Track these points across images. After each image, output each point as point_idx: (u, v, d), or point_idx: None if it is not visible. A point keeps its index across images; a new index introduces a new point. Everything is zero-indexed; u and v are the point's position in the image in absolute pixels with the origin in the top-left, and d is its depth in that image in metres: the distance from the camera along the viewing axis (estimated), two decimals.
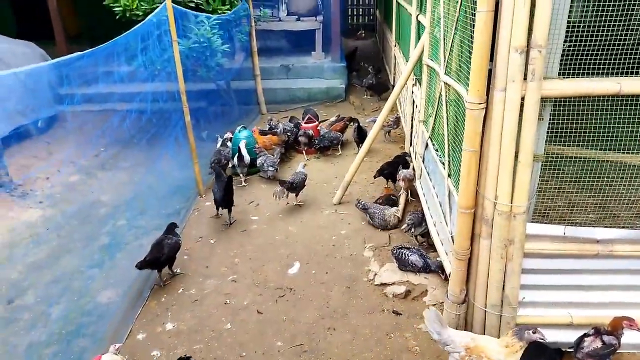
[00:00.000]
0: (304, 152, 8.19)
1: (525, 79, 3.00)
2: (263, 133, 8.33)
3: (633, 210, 3.61)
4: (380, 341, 4.05)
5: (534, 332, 3.16)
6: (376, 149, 8.11)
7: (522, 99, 3.03)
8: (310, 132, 8.11)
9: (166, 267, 4.93)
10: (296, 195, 6.48)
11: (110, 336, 4.17)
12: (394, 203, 6.05)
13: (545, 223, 3.42)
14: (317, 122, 8.62)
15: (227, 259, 5.36)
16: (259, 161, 7.30)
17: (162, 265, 4.85)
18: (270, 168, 7.13)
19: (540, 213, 3.55)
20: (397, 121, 8.44)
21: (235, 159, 7.06)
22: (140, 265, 4.58)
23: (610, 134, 3.32)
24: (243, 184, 7.17)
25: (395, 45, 10.16)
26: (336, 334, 4.17)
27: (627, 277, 3.59)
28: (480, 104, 3.21)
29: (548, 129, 3.34)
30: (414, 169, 6.09)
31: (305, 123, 8.41)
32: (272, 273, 5.07)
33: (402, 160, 6.50)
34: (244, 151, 7.04)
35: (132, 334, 4.26)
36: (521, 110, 3.07)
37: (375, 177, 6.77)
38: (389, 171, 6.56)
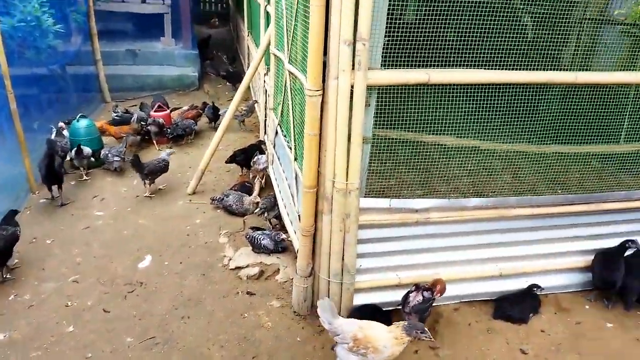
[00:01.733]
0: (155, 142, 7.82)
1: (353, 69, 3.34)
2: (112, 123, 7.77)
3: (450, 185, 4.30)
4: (235, 322, 4.16)
5: (421, 332, 3.23)
6: (232, 138, 8.14)
7: (352, 87, 3.36)
8: (161, 120, 7.79)
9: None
10: (150, 184, 6.20)
11: None
12: (249, 190, 6.18)
13: (375, 197, 3.86)
14: (168, 111, 8.30)
15: (68, 259, 4.93)
16: (102, 152, 6.79)
17: None
18: (116, 158, 6.67)
19: (373, 189, 3.99)
20: (251, 109, 8.56)
21: (73, 152, 6.45)
22: None
23: (430, 119, 3.88)
24: (85, 177, 6.60)
25: (248, 35, 10.22)
26: (191, 321, 4.16)
27: (441, 240, 4.26)
28: (317, 91, 3.49)
29: (375, 114, 3.78)
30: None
31: (155, 111, 8.04)
32: (120, 269, 4.81)
33: (256, 148, 6.65)
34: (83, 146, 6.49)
35: None
36: (352, 98, 3.41)
37: (226, 162, 6.77)
38: (241, 158, 6.66)
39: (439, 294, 3.92)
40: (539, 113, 4.26)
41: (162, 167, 6.28)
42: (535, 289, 4.43)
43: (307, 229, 3.93)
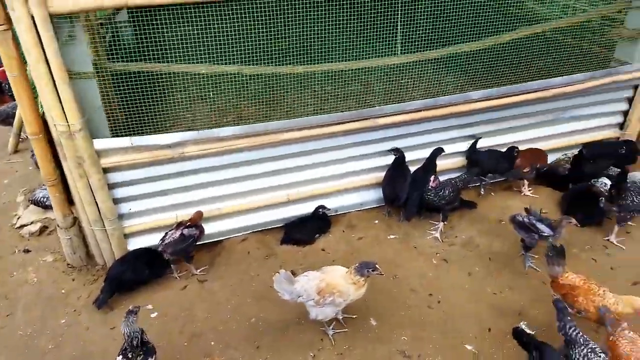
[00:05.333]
0: None
1: None
2: None
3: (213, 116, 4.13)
4: (5, 283, 3.98)
5: (372, 270, 3.17)
6: None
7: (33, 17, 3.01)
8: None
9: None
10: None
11: None
12: None
13: (113, 137, 3.64)
14: None
15: None
16: None
17: None
18: None
19: (121, 128, 3.74)
20: None
21: None
22: None
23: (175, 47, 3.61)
24: None
25: None
26: None
27: (216, 173, 4.14)
28: (1, 25, 3.11)
29: (110, 44, 3.47)
30: None
31: None
32: None
33: None
34: None
35: None
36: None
37: None
38: None
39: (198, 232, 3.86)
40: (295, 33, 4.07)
41: None
42: (321, 210, 4.47)
43: (49, 179, 3.69)
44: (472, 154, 4.81)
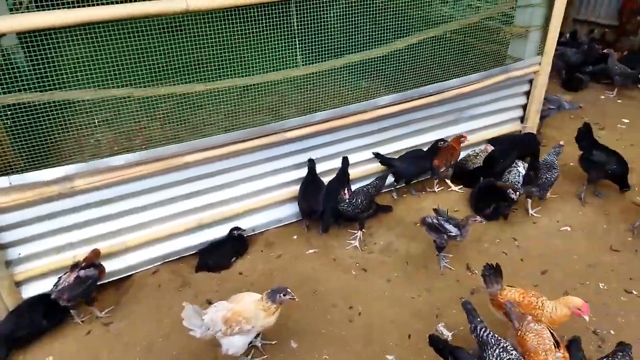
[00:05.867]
0: None
1: None
2: None
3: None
4: None
5: (284, 295, 3.05)
6: None
7: None
8: None
9: None
10: None
11: None
12: None
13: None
14: None
15: None
16: None
17: None
18: None
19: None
20: None
21: None
22: None
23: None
24: None
25: None
26: None
27: (114, 205, 3.85)
28: None
29: None
30: None
31: None
32: None
33: None
34: None
35: None
36: None
37: None
38: None
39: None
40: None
41: None
42: (236, 231, 4.30)
43: None
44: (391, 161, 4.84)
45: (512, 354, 2.86)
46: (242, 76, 3.93)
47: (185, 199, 4.16)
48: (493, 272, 3.26)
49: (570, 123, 6.35)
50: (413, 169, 4.87)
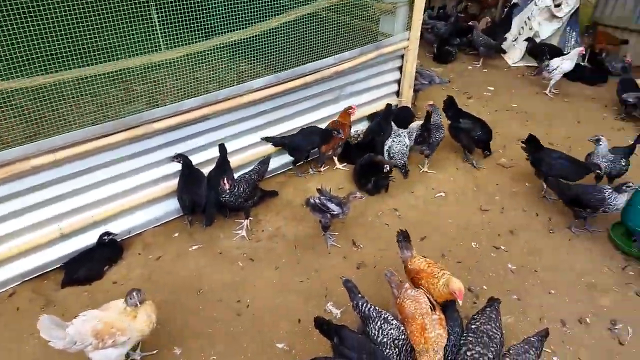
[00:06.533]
0: None
1: None
2: None
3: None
4: None
5: (137, 293, 2.85)
6: None
7: None
8: None
9: None
10: None
11: None
12: None
13: None
14: None
15: None
16: None
17: None
18: None
19: None
20: None
21: None
22: None
23: None
24: None
25: None
26: None
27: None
28: None
29: None
30: None
31: None
32: None
33: None
34: None
35: None
36: None
37: None
38: None
39: None
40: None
41: None
42: (106, 237, 3.91)
43: None
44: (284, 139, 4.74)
45: (392, 324, 2.94)
46: (91, 64, 3.51)
47: (42, 206, 3.67)
48: (403, 238, 3.38)
49: (442, 94, 6.69)
50: (308, 142, 4.80)
